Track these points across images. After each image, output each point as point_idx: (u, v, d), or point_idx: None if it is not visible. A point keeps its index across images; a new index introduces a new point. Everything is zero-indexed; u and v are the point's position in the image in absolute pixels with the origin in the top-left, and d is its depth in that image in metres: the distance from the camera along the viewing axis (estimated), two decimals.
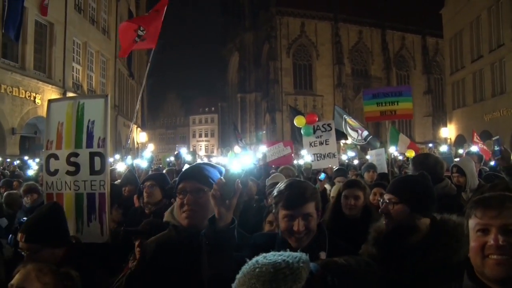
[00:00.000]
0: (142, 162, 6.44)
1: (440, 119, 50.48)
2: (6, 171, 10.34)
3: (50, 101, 3.39)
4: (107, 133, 3.13)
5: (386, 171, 6.67)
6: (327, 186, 5.08)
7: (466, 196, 3.93)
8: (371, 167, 6.49)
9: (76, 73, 21.56)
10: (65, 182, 3.09)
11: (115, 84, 26.86)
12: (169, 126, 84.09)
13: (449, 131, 30.30)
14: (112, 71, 26.15)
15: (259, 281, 1.03)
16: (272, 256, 1.09)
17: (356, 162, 12.27)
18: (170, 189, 3.41)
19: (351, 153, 14.67)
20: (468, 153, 7.64)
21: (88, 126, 3.13)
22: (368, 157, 10.03)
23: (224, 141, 62.38)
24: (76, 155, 3.10)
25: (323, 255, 1.75)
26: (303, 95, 52.18)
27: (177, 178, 2.03)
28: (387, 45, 55.14)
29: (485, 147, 9.42)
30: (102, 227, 3.04)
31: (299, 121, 7.39)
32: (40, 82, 17.57)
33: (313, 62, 53.05)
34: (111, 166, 5.58)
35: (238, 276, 1.09)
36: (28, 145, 18.45)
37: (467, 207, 1.43)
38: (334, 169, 6.43)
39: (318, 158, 6.93)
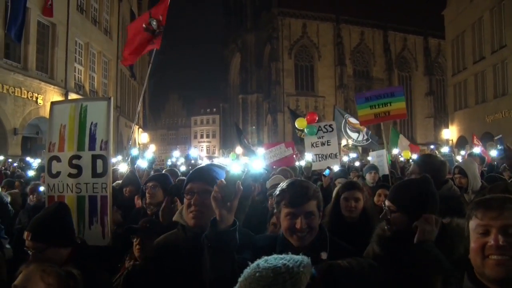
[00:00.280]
0: (143, 163, 6.44)
1: (441, 121, 50.39)
2: (7, 171, 10.40)
3: (53, 103, 3.37)
4: (110, 135, 3.12)
5: (387, 173, 6.67)
6: None
7: (468, 198, 3.91)
8: (373, 168, 6.52)
9: (78, 73, 21.59)
10: (67, 185, 3.08)
11: (117, 85, 26.89)
12: (170, 127, 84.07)
13: (450, 133, 30.18)
14: (114, 71, 26.18)
15: (259, 286, 1.04)
16: (274, 260, 1.10)
17: (357, 163, 12.25)
18: (172, 187, 3.41)
19: (352, 155, 14.68)
20: (471, 155, 7.62)
21: (90, 129, 3.10)
22: (369, 158, 10.02)
23: (226, 142, 62.43)
24: (78, 157, 3.09)
25: (324, 255, 1.76)
26: (305, 96, 52.18)
27: (177, 179, 2.03)
28: (389, 46, 55.08)
29: (484, 150, 9.39)
30: (104, 230, 3.03)
31: (300, 123, 7.41)
32: (42, 83, 17.59)
33: (315, 63, 53.05)
34: (113, 167, 5.58)
35: (240, 280, 1.10)
36: (30, 145, 18.47)
37: (468, 209, 1.44)
38: (335, 171, 6.42)
39: (320, 159, 6.94)
